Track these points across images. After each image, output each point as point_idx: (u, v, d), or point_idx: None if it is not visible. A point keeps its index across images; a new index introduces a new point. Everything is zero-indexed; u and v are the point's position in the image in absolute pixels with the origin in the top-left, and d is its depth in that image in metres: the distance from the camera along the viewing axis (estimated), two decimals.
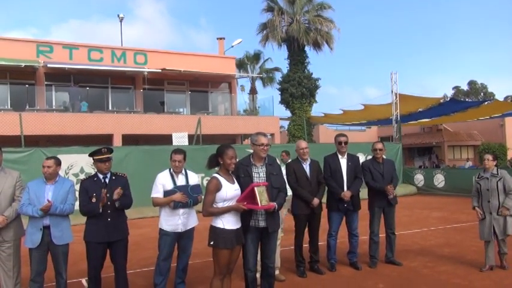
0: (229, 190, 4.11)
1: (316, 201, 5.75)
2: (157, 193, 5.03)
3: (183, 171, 5.17)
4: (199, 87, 22.95)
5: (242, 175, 4.40)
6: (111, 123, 17.73)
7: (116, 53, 20.22)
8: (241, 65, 33.84)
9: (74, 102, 19.27)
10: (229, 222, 4.06)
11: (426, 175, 16.73)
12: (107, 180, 4.70)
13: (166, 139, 15.04)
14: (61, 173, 6.74)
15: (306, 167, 5.88)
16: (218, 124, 19.47)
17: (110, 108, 20.06)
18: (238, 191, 4.16)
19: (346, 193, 5.87)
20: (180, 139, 13.89)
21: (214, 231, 4.05)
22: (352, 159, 6.16)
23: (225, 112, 23.46)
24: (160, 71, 20.10)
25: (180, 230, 5.00)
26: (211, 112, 22.35)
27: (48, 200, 4.41)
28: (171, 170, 5.14)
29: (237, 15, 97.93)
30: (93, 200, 4.56)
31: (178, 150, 5.17)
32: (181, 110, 22.58)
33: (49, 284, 4.76)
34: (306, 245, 6.01)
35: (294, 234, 5.96)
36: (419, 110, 19.27)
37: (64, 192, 4.64)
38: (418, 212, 11.74)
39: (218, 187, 4.05)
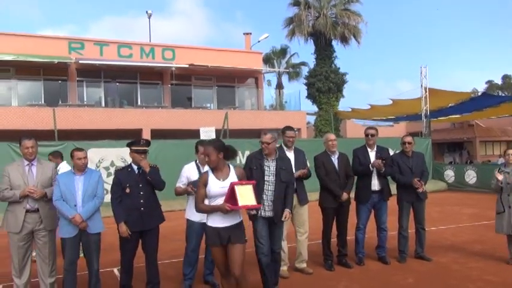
0: (214, 187, 3.94)
1: (345, 195, 5.73)
2: (179, 183, 5.14)
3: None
4: (226, 82, 23.07)
5: (254, 167, 4.75)
6: (140, 118, 18.07)
7: (144, 49, 20.55)
8: (267, 60, 33.81)
9: (114, 98, 19.73)
10: (213, 220, 3.96)
11: (457, 171, 16.35)
12: (141, 171, 4.80)
13: (194, 134, 15.20)
14: (92, 166, 6.94)
15: (335, 160, 5.85)
16: (245, 119, 19.55)
17: (139, 103, 20.43)
18: (225, 189, 3.88)
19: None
20: (207, 133, 14.00)
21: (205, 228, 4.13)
22: (382, 152, 6.09)
23: (251, 107, 23.51)
24: (187, 66, 20.30)
25: (206, 221, 5.06)
26: (238, 107, 22.44)
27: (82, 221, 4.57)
28: (197, 161, 5.21)
29: (263, 10, 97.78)
30: (127, 190, 4.68)
31: (203, 142, 5.24)
32: (208, 105, 22.76)
33: (82, 273, 4.89)
34: (334, 240, 5.99)
35: (322, 228, 5.95)
36: (450, 105, 18.80)
37: (94, 182, 4.76)
38: (449, 208, 11.49)
39: (205, 182, 3.99)
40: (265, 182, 4.73)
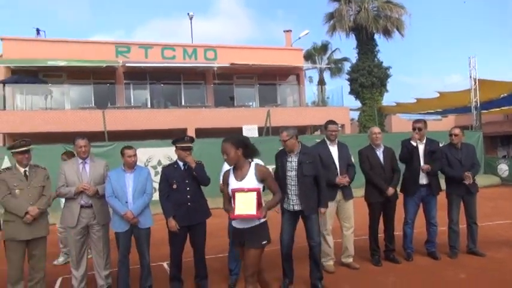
0: (231, 187, 3.82)
1: (391, 190, 5.64)
2: (221, 180, 5.23)
3: None
4: (268, 80, 23.13)
5: (279, 164, 4.96)
6: (184, 118, 18.47)
7: (187, 50, 20.97)
8: (309, 56, 33.56)
9: (159, 99, 20.33)
10: (234, 220, 3.85)
11: (511, 165, 15.58)
12: (186, 167, 4.94)
13: (237, 132, 15.39)
14: (140, 165, 7.13)
15: (380, 153, 5.76)
16: (287, 116, 19.51)
17: (183, 103, 20.89)
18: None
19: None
20: (250, 131, 14.14)
21: None
22: (432, 144, 5.93)
23: (293, 104, 23.45)
24: (229, 65, 20.53)
25: None
26: (280, 104, 22.44)
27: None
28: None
29: (304, 7, 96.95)
30: (174, 186, 4.84)
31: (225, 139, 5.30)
32: (250, 103, 22.92)
33: (135, 267, 5.09)
34: (381, 235, 5.90)
35: (368, 223, 5.88)
36: (502, 95, 17.92)
37: (143, 179, 4.97)
38: (502, 203, 10.99)
39: (226, 181, 3.91)
40: (288, 177, 4.85)
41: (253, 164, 3.80)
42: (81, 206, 4.95)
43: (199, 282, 5.03)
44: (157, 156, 11.96)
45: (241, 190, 3.68)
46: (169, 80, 20.98)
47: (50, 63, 17.84)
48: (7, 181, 4.61)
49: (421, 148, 5.87)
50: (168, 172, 4.97)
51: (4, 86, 17.87)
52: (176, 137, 5.09)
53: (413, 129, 5.88)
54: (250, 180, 3.72)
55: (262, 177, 3.76)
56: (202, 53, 21.13)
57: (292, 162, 4.86)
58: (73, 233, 4.95)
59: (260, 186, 3.75)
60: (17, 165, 4.73)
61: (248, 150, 3.79)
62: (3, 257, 4.67)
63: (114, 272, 5.10)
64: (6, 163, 10.10)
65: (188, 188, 4.87)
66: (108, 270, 5.12)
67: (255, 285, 3.80)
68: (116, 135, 13.17)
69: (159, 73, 20.51)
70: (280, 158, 4.97)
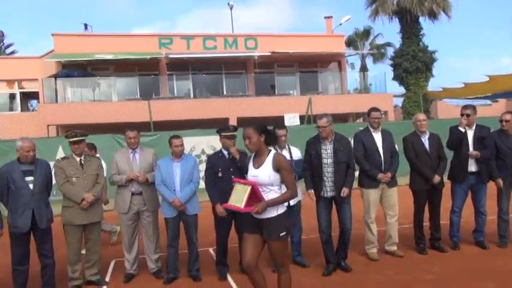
0: (249, 174, 3.76)
1: (437, 178, 5.54)
2: None
3: (287, 147, 5.37)
4: (309, 67, 22.97)
5: (313, 152, 5.06)
6: (226, 108, 18.72)
7: (228, 40, 21.15)
8: (350, 42, 32.97)
9: (201, 90, 20.72)
10: None
11: None
12: (231, 157, 5.08)
13: (279, 121, 15.43)
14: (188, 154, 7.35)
15: (425, 140, 5.66)
16: (328, 104, 19.33)
17: (225, 93, 21.15)
18: (255, 178, 3.63)
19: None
20: (291, 120, 14.15)
21: None
22: (481, 131, 5.74)
23: (335, 91, 23.19)
24: (270, 54, 20.54)
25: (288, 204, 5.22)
26: (321, 92, 22.26)
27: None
28: (276, 146, 5.37)
29: None
30: (219, 174, 4.99)
31: (282, 126, 5.37)
32: (291, 91, 22.87)
33: (183, 251, 5.31)
34: (426, 224, 5.82)
35: (414, 211, 5.81)
36: None
37: (190, 167, 5.15)
38: None
39: (247, 168, 3.82)
40: (324, 165, 4.99)
41: (272, 153, 3.67)
42: (132, 193, 5.21)
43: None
44: (200, 145, 12.23)
45: (238, 181, 3.70)
46: (211, 70, 21.28)
47: (98, 56, 18.54)
48: (65, 169, 4.92)
49: (470, 134, 5.69)
50: (213, 161, 5.13)
51: (56, 80, 18.76)
52: (219, 126, 5.23)
53: (462, 115, 5.71)
54: (267, 168, 3.59)
55: (278, 166, 3.58)
56: (243, 42, 21.24)
57: (328, 149, 5.01)
58: (125, 218, 5.23)
59: (276, 176, 3.59)
60: (73, 154, 5.03)
61: (270, 137, 3.70)
62: (64, 241, 5.01)
63: (164, 256, 5.35)
64: (60, 153, 10.72)
65: (232, 177, 4.99)
66: (158, 254, 5.38)
67: (287, 274, 3.75)
68: (160, 125, 13.55)
69: (200, 63, 20.84)
70: (314, 146, 5.08)
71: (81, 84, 19.51)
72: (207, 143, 12.04)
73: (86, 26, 22.08)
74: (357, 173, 5.36)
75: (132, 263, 5.33)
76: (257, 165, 3.66)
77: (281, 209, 3.62)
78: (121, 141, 11.05)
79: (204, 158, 11.44)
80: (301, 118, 14.35)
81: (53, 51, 19.29)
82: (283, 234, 3.60)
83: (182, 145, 5.17)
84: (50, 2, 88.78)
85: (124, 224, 5.28)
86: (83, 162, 5.02)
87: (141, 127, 12.20)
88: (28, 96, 21.76)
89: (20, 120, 18.78)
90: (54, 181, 5.00)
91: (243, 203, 3.51)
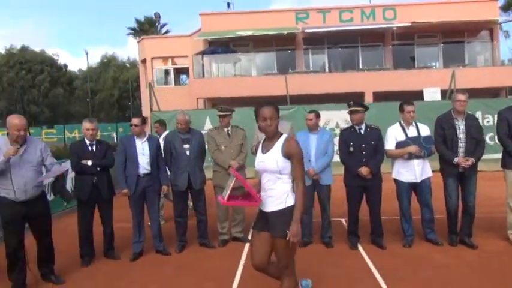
0: (256, 159, 3.37)
1: None
2: (390, 145, 5.34)
3: (414, 124, 5.32)
4: (454, 37, 21.16)
5: (446, 127, 5.15)
6: (361, 82, 18.45)
7: (365, 11, 20.57)
8: (507, 7, 29.20)
9: (336, 63, 20.82)
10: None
11: None
12: (362, 132, 5.27)
13: (418, 95, 14.76)
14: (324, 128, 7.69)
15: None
16: (476, 77, 17.73)
17: (360, 66, 20.78)
18: (262, 164, 3.24)
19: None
20: (432, 95, 13.43)
21: None
22: None
23: (484, 63, 21.05)
24: (410, 24, 19.46)
25: (415, 181, 5.22)
26: (468, 64, 20.42)
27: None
28: (401, 122, 5.36)
29: None
30: (351, 149, 5.22)
31: (410, 102, 5.30)
32: (433, 64, 21.43)
33: (317, 219, 5.71)
34: None
35: None
36: None
37: (325, 141, 5.48)
38: None
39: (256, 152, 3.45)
40: (458, 139, 5.08)
41: (283, 136, 3.24)
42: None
43: (375, 239, 5.40)
44: (334, 119, 12.46)
45: (234, 174, 3.32)
46: (346, 44, 21.03)
47: (239, 33, 19.73)
48: (215, 138, 5.66)
49: None
50: (346, 135, 5.38)
51: (203, 56, 20.54)
52: (351, 100, 5.42)
53: None
54: (275, 153, 3.16)
55: (288, 152, 3.12)
56: (381, 13, 20.46)
57: (461, 126, 5.11)
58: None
59: (286, 163, 3.14)
60: (221, 125, 5.74)
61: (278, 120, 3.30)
62: (215, 201, 5.81)
63: None
64: (208, 123, 11.98)
65: (364, 152, 5.18)
66: None
67: (291, 279, 3.32)
68: (296, 99, 14.07)
69: (336, 37, 20.71)
70: (448, 121, 5.17)
71: (224, 60, 21.05)
72: (341, 117, 12.19)
73: (228, 4, 23.50)
74: (497, 155, 5.15)
75: None
76: (265, 150, 3.25)
77: (289, 202, 3.16)
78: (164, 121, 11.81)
79: (338, 131, 11.65)
80: (443, 93, 13.54)
81: (200, 30, 21.07)
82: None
83: (315, 118, 5.49)
84: None
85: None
86: (230, 132, 5.71)
87: (279, 101, 12.92)
88: (180, 72, 24.25)
89: (174, 93, 21.10)
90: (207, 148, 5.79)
91: (226, 196, 3.25)
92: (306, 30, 20.13)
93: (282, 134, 3.25)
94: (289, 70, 20.10)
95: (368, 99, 18.06)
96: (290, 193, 3.17)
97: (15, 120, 4.22)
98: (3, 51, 48.77)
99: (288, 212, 3.12)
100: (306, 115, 5.58)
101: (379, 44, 21.40)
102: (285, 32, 19.81)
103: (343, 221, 6.47)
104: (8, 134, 4.34)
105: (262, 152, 3.28)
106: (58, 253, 4.84)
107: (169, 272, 4.89)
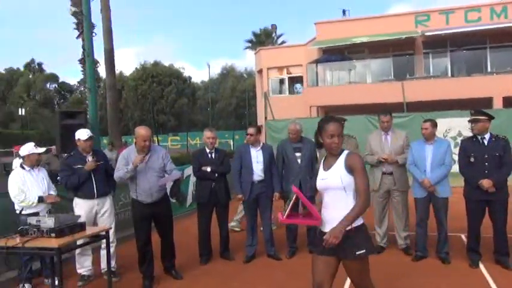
0: (318, 177, 3.16)
1: None
2: None
3: None
4: None
5: None
6: (489, 86, 16.87)
7: (495, 9, 18.77)
8: None
9: (460, 67, 19.43)
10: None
11: None
12: (485, 142, 4.90)
13: None
14: (439, 135, 7.32)
15: None
16: None
17: (489, 69, 19.00)
18: (325, 182, 3.06)
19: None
20: None
21: None
22: None
23: None
24: None
25: None
26: None
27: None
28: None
29: None
30: (471, 160, 4.88)
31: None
32: None
33: (432, 234, 5.44)
34: None
35: None
36: None
37: (442, 151, 5.24)
38: None
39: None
40: None
41: (345, 152, 3.06)
42: (383, 173, 5.64)
43: (500, 258, 4.96)
44: (456, 127, 11.60)
45: (294, 189, 3.20)
46: (472, 45, 19.41)
47: (354, 40, 19.45)
48: None
49: None
50: (466, 145, 5.05)
51: (317, 65, 20.67)
52: (480, 107, 5.09)
53: None
54: (338, 168, 3.00)
55: (351, 166, 2.96)
56: None
57: None
58: (376, 195, 5.73)
59: (351, 178, 2.96)
60: None
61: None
62: None
63: (413, 236, 5.60)
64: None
65: (486, 164, 4.80)
66: (406, 232, 5.69)
67: None
68: (414, 106, 13.42)
69: (460, 38, 19.23)
70: None
71: (338, 67, 20.91)
72: (465, 125, 11.27)
73: (344, 11, 23.32)
74: None
75: (382, 237, 5.80)
76: (327, 167, 3.08)
77: (357, 221, 2.96)
78: (374, 122, 11.55)
79: (460, 140, 10.88)
80: None
81: (315, 39, 21.24)
82: (361, 252, 2.95)
83: (431, 128, 5.24)
84: None
85: (375, 200, 5.78)
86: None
87: (395, 108, 12.54)
88: (294, 80, 24.70)
89: (288, 102, 21.52)
90: None
91: (285, 213, 3.11)
92: (426, 34, 19.04)
93: (343, 150, 3.07)
94: (407, 76, 19.21)
95: (497, 104, 16.44)
96: None
97: (142, 131, 4.79)
98: (138, 67, 54.57)
99: (356, 232, 2.94)
100: (421, 124, 5.37)
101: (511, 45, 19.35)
102: (403, 37, 19.00)
103: (463, 236, 6.05)
104: (135, 143, 4.94)
105: (324, 169, 3.10)
106: (179, 251, 5.35)
107: (279, 276, 5.07)
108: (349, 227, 2.89)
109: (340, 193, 2.98)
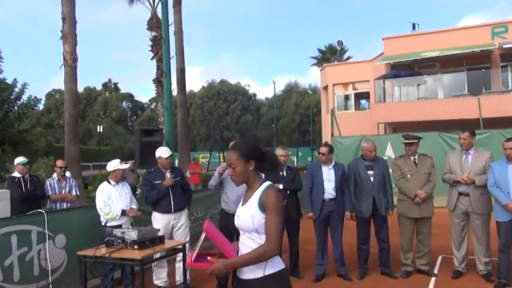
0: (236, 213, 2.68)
1: None
2: None
3: None
4: None
5: None
6: None
7: None
8: None
9: None
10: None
11: None
12: None
13: None
14: None
15: None
16: None
17: None
18: (237, 220, 2.59)
19: None
20: None
21: None
22: None
23: None
24: None
25: None
26: None
27: None
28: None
29: None
30: None
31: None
32: None
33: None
34: None
35: None
36: None
37: None
38: None
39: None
40: None
41: (264, 184, 2.54)
42: (459, 193, 5.38)
43: None
44: None
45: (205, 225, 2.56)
46: None
47: (424, 55, 18.82)
48: (401, 166, 5.61)
49: None
50: None
51: (384, 80, 20.21)
52: None
53: None
54: (252, 205, 2.50)
55: (263, 203, 2.46)
56: None
57: None
58: (453, 216, 5.50)
59: (263, 219, 2.45)
60: (407, 153, 5.64)
61: (264, 163, 2.61)
62: (398, 230, 5.71)
63: (495, 261, 5.27)
64: (389, 149, 11.69)
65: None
66: (487, 257, 5.35)
67: None
68: (490, 122, 12.68)
69: None
70: None
71: (407, 82, 20.28)
72: None
73: (413, 25, 22.65)
74: None
75: (460, 261, 5.51)
76: (243, 202, 2.61)
77: (269, 269, 2.47)
78: (446, 139, 11.07)
79: None
80: None
81: (382, 54, 20.83)
82: None
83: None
84: (381, 7, 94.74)
85: (452, 221, 5.53)
86: (416, 161, 5.58)
87: (470, 125, 11.99)
88: (359, 96, 24.31)
89: (354, 118, 21.17)
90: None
91: (194, 253, 2.57)
92: (504, 46, 18.00)
93: (264, 181, 2.57)
94: (483, 90, 18.21)
95: None
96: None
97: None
98: (205, 85, 56.49)
99: (266, 282, 2.45)
100: (503, 143, 5.07)
101: None
102: (478, 50, 18.08)
103: None
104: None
105: (242, 203, 2.61)
106: None
107: None
108: (260, 275, 2.45)
109: (253, 235, 2.49)
